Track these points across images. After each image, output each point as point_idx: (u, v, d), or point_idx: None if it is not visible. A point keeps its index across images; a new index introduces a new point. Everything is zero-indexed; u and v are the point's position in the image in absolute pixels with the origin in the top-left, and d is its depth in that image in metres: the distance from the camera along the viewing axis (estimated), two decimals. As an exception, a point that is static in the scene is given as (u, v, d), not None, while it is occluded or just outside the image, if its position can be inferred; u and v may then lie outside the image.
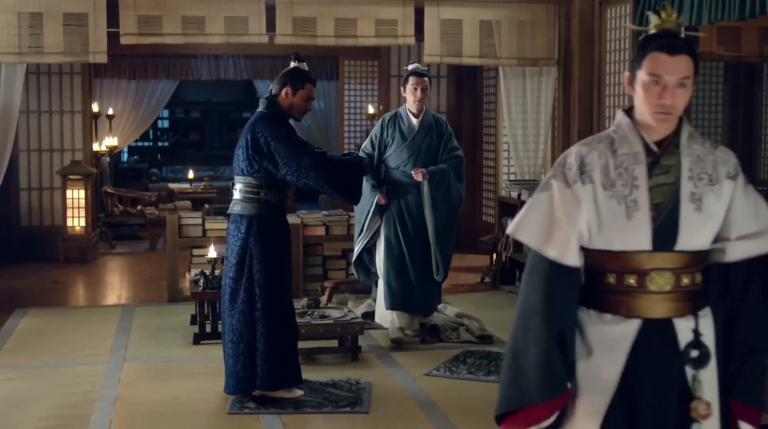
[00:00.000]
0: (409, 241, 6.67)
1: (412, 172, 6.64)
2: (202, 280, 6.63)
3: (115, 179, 14.20)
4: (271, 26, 8.26)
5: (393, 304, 6.69)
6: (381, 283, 6.79)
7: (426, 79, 6.79)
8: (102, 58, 8.08)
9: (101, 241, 11.62)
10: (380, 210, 6.75)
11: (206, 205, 12.01)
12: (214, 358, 6.20)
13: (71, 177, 10.62)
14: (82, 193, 10.66)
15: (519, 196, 8.27)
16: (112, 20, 8.09)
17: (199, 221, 8.26)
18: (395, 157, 6.76)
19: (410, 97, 6.76)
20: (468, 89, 11.46)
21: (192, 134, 18.42)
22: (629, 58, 7.98)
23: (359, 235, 6.85)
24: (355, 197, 5.47)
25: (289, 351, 5.26)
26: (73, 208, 10.67)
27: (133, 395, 5.44)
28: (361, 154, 6.50)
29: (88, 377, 5.79)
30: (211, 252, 6.72)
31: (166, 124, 18.56)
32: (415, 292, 6.69)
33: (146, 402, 5.32)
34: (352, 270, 7.18)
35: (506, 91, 9.22)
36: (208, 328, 6.67)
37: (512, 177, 9.94)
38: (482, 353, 6.24)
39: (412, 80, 6.74)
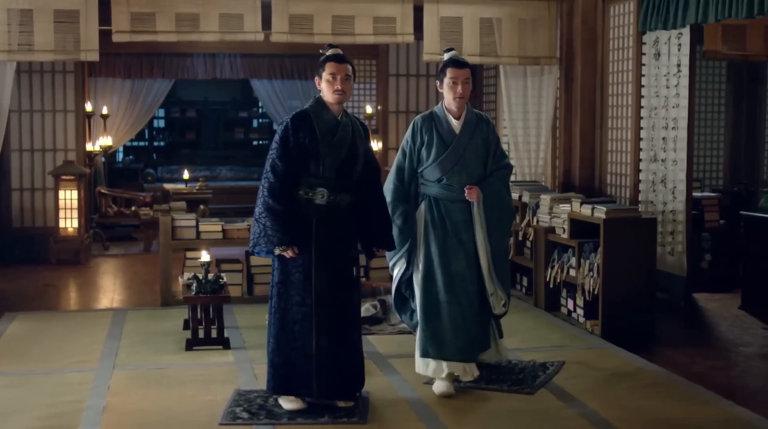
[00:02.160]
0: (460, 270, 5.44)
1: (465, 191, 5.43)
2: (195, 285, 6.45)
3: (109, 179, 14.01)
4: (266, 24, 8.12)
5: (443, 352, 5.39)
6: (420, 323, 5.50)
7: (468, 69, 5.47)
8: (94, 56, 7.92)
9: (95, 242, 11.46)
10: (415, 232, 5.54)
11: (201, 206, 11.84)
12: (206, 365, 6.05)
13: (64, 177, 10.47)
14: (74, 193, 10.50)
15: (520, 197, 8.09)
16: (105, 18, 7.93)
17: (193, 223, 8.09)
18: (434, 169, 5.46)
19: (449, 93, 5.45)
20: (467, 88, 11.27)
21: (188, 134, 18.23)
22: (633, 56, 7.82)
23: (393, 263, 5.61)
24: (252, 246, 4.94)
25: (299, 357, 4.94)
26: (65, 209, 10.51)
27: (122, 404, 5.25)
28: (390, 182, 5.50)
29: (76, 385, 5.60)
30: (204, 256, 6.54)
31: (162, 123, 18.37)
32: (470, 333, 5.46)
33: (135, 411, 5.13)
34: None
35: (506, 90, 9.05)
36: (201, 334, 6.49)
37: (512, 178, 9.76)
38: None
39: (450, 72, 5.43)
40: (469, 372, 5.46)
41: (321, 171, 4.92)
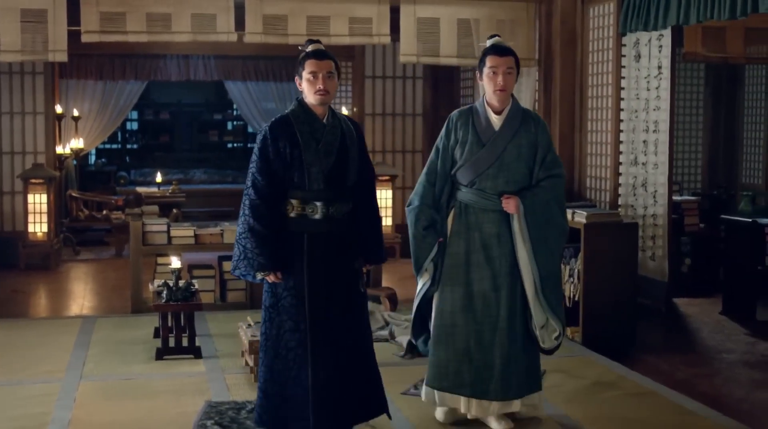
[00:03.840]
0: (483, 291, 4.68)
1: (502, 201, 4.65)
2: (165, 292, 6.26)
3: (81, 182, 13.79)
4: (240, 24, 7.94)
5: (442, 383, 4.74)
6: (432, 351, 4.81)
7: (512, 58, 4.70)
8: (62, 57, 7.71)
9: (65, 247, 11.24)
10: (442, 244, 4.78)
11: (174, 210, 11.64)
12: (177, 375, 5.87)
13: (33, 181, 10.25)
14: (44, 197, 10.28)
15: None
16: (74, 17, 7.73)
17: (164, 228, 7.90)
18: (467, 170, 4.70)
19: (489, 85, 4.67)
20: (444, 91, 11.14)
21: (161, 136, 18.01)
22: (613, 58, 7.70)
23: (418, 278, 4.85)
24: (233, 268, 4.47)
25: (296, 389, 4.37)
26: (34, 213, 10.29)
27: (88, 417, 5.06)
28: (419, 184, 4.83)
29: (40, 397, 5.39)
30: (175, 262, 6.35)
31: (135, 125, 18.14)
32: (488, 364, 4.67)
33: (102, 424, 4.94)
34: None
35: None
36: (172, 342, 6.31)
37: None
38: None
39: (490, 61, 4.67)
40: (482, 408, 4.73)
41: (308, 183, 4.37)
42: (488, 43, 4.79)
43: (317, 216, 4.37)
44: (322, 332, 4.35)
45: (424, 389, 4.86)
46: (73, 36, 7.77)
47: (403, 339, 6.47)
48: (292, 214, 4.38)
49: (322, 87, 4.41)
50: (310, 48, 4.52)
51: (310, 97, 4.46)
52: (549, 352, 4.77)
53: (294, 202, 4.38)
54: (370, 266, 4.64)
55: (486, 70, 4.68)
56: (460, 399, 4.74)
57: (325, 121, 4.46)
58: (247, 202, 4.37)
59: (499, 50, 4.70)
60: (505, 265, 4.66)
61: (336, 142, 4.45)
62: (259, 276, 4.36)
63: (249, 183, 4.40)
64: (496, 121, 4.71)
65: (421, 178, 4.87)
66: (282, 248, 4.35)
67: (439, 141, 4.81)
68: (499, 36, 4.87)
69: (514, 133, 4.69)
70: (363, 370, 4.49)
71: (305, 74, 4.44)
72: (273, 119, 4.53)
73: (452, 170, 4.76)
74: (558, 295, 4.74)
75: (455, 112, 4.86)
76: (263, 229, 4.31)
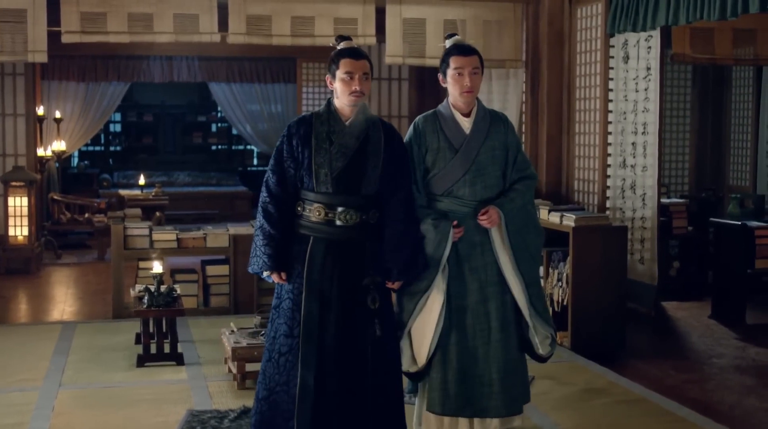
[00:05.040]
0: (472, 305, 4.33)
1: (479, 218, 4.30)
2: (146, 297, 6.14)
3: (63, 185, 13.64)
4: (223, 25, 7.81)
5: (445, 407, 4.35)
6: (429, 374, 4.41)
7: (476, 57, 4.42)
8: (42, 58, 7.57)
9: (46, 250, 11.10)
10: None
11: (157, 213, 11.49)
12: (158, 382, 5.75)
13: (13, 184, 10.11)
14: (24, 200, 10.15)
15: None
16: (54, 18, 7.59)
17: (146, 232, 7.78)
18: (442, 179, 4.38)
19: (454, 87, 4.39)
20: (431, 92, 11.03)
21: (145, 138, 17.83)
22: (601, 59, 7.61)
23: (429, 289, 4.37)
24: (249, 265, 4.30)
25: (282, 395, 4.15)
26: (15, 216, 10.15)
27: (66, 427, 4.93)
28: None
29: (17, 406, 5.26)
30: (156, 266, 6.22)
31: (118, 127, 17.95)
32: (483, 381, 4.33)
33: (81, 435, 4.84)
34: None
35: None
36: (153, 349, 6.19)
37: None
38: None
39: (455, 62, 4.38)
40: (483, 428, 4.39)
41: (315, 185, 4.12)
42: (448, 43, 4.48)
43: (322, 220, 4.13)
44: (315, 342, 4.09)
45: (424, 415, 4.44)
46: (54, 37, 7.64)
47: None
48: (301, 216, 4.18)
49: (358, 88, 4.14)
50: (342, 45, 4.25)
51: (343, 98, 4.18)
52: (545, 359, 4.49)
53: (303, 203, 4.18)
54: (393, 284, 4.23)
55: (451, 72, 4.38)
56: (458, 421, 4.37)
57: (347, 122, 4.18)
58: (261, 200, 4.24)
59: (463, 50, 4.40)
60: (492, 274, 4.34)
61: (353, 146, 4.15)
62: (265, 274, 4.22)
63: (265, 180, 4.24)
64: (465, 124, 4.41)
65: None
66: (288, 249, 4.17)
67: (411, 150, 4.39)
68: (457, 35, 4.60)
69: (485, 135, 4.41)
70: (362, 391, 4.14)
71: (340, 74, 4.16)
72: (297, 117, 4.32)
73: (425, 179, 4.41)
74: (543, 300, 4.47)
75: (419, 118, 4.53)
76: (270, 228, 4.15)
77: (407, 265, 4.21)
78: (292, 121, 4.26)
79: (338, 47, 4.25)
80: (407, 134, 4.50)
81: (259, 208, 4.22)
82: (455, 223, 4.29)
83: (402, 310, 4.33)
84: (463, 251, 4.32)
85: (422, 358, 4.31)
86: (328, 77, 4.24)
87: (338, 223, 4.12)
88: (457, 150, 4.37)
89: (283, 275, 4.17)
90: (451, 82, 4.40)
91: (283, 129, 4.27)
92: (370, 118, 4.25)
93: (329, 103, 4.25)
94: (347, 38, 4.28)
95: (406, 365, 4.35)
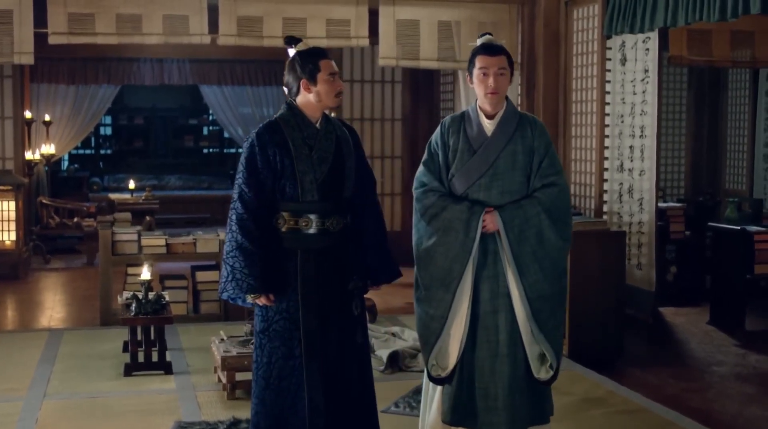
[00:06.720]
0: (482, 314, 4.14)
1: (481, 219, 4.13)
2: (134, 304, 5.99)
3: (53, 189, 13.46)
4: (213, 26, 7.68)
5: (454, 416, 4.19)
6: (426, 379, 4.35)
7: (503, 57, 4.21)
8: (28, 59, 7.44)
9: (35, 255, 10.95)
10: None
11: (147, 218, 11.33)
12: (146, 392, 5.61)
13: (0, 187, 9.94)
14: (12, 204, 9.99)
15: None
16: (41, 19, 7.45)
17: (135, 237, 7.63)
18: (458, 180, 4.21)
19: (479, 88, 4.20)
20: (425, 94, 10.93)
21: (136, 141, 17.66)
22: (597, 61, 7.50)
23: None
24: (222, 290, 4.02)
25: (291, 418, 3.97)
26: (2, 220, 9.99)
27: (50, 439, 4.80)
28: (418, 190, 4.28)
29: (0, 417, 5.11)
30: (145, 273, 6.08)
31: (108, 130, 17.79)
32: (488, 393, 4.14)
33: (65, 448, 4.69)
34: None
35: (465, 96, 8.68)
36: (141, 357, 6.04)
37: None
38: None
39: (480, 61, 4.20)
40: None
41: (301, 194, 3.96)
42: (478, 41, 4.30)
43: (311, 230, 3.95)
44: (319, 358, 3.94)
45: (431, 426, 4.28)
46: (42, 38, 7.50)
47: (383, 352, 6.23)
48: (284, 229, 3.95)
49: (342, 89, 4.09)
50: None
51: (327, 100, 4.03)
52: (544, 383, 4.22)
53: (286, 215, 3.96)
54: (377, 287, 4.19)
55: (476, 72, 4.20)
56: None
57: (318, 125, 4.05)
58: (233, 217, 3.93)
59: (489, 49, 4.21)
60: (503, 285, 4.11)
61: (331, 149, 4.04)
62: (249, 299, 3.94)
63: (235, 196, 3.94)
64: (488, 126, 4.21)
65: (420, 173, 4.32)
66: (273, 268, 3.94)
67: (432, 147, 4.30)
68: (490, 34, 4.36)
69: (509, 139, 4.19)
70: (358, 399, 4.08)
71: (323, 76, 4.00)
72: (260, 125, 4.05)
73: (447, 180, 4.25)
74: (555, 321, 4.16)
75: (447, 117, 4.37)
76: (252, 247, 3.87)
77: (390, 267, 4.16)
78: (258, 128, 4.02)
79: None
80: (434, 133, 4.37)
81: (234, 227, 3.91)
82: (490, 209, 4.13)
83: (437, 303, 4.13)
84: (479, 258, 4.14)
85: (453, 359, 4.15)
86: (303, 80, 4.02)
87: (329, 230, 3.98)
88: (476, 151, 4.20)
89: (271, 297, 3.94)
90: (476, 83, 4.23)
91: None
92: (334, 119, 4.18)
93: (291, 106, 4.06)
94: (298, 40, 4.09)
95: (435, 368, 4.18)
